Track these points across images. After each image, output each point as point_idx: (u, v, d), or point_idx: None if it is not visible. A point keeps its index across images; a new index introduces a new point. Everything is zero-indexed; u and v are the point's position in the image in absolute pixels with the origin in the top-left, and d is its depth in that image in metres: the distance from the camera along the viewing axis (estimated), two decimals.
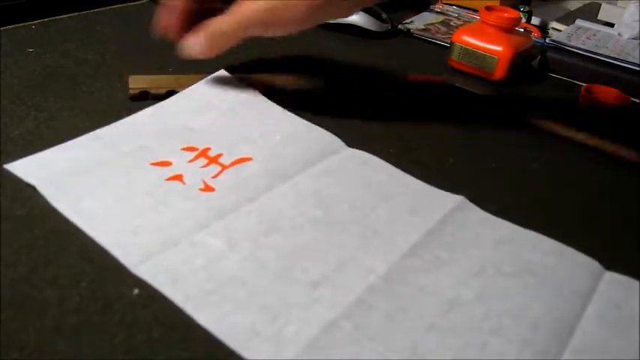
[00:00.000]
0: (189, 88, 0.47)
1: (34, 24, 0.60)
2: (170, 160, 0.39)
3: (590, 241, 0.36)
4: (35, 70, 0.50)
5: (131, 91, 0.46)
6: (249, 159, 0.40)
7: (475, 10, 0.77)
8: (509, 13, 0.58)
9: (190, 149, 0.41)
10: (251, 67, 0.56)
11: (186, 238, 0.33)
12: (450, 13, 0.78)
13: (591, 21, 0.71)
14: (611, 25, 0.70)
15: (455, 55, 0.59)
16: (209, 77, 0.48)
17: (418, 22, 0.73)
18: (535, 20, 0.74)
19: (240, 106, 0.47)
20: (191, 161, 0.39)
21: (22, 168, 0.37)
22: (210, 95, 0.47)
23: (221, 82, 0.49)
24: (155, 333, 0.27)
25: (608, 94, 0.56)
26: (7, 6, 0.62)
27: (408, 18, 0.74)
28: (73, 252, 0.31)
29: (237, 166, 0.39)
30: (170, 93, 0.46)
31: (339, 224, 0.35)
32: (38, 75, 0.50)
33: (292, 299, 0.29)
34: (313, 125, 0.45)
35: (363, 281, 0.31)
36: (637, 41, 0.65)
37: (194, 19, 0.43)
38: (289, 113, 0.46)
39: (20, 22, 0.60)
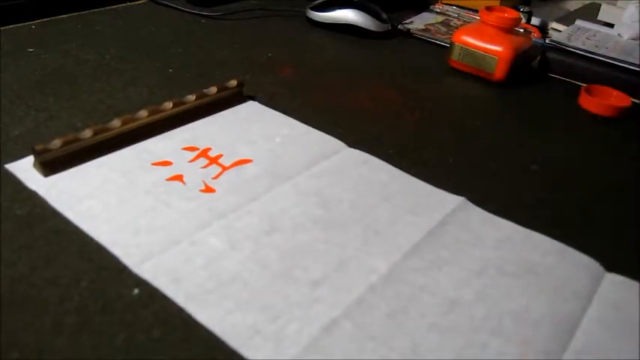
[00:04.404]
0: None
1: (34, 24, 0.61)
2: (170, 159, 0.39)
3: (590, 241, 0.36)
4: (35, 70, 0.50)
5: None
6: (249, 161, 0.40)
7: (475, 10, 0.77)
8: (509, 14, 0.58)
9: (191, 149, 0.41)
10: (254, 70, 0.56)
11: (187, 238, 0.33)
12: (450, 13, 0.78)
13: (591, 21, 0.71)
14: (611, 25, 0.70)
15: (455, 56, 0.59)
16: None
17: (418, 22, 0.73)
18: (535, 20, 0.74)
19: (239, 111, 0.47)
20: (191, 161, 0.39)
21: (23, 168, 0.37)
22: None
23: None
24: (155, 333, 0.27)
25: (608, 94, 0.56)
26: (7, 6, 0.62)
27: (408, 18, 0.74)
28: (73, 252, 0.31)
29: (237, 167, 0.39)
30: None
31: (339, 224, 0.35)
32: (38, 75, 0.50)
33: (293, 298, 0.29)
34: (312, 128, 0.45)
35: (364, 280, 0.31)
36: (637, 41, 0.65)
37: None
38: (288, 117, 0.46)
39: (20, 22, 0.60)
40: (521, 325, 0.29)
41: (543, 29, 0.73)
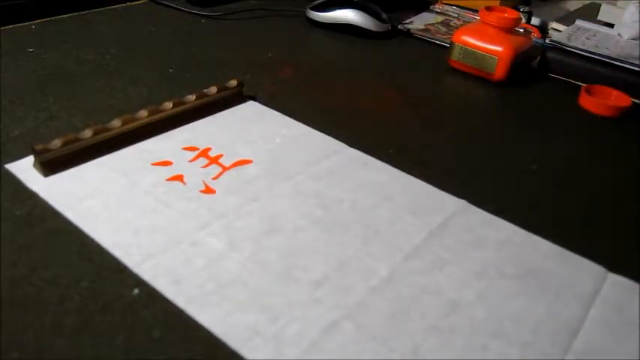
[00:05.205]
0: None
1: (34, 24, 0.60)
2: (171, 159, 0.39)
3: (591, 242, 0.36)
4: (35, 70, 0.50)
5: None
6: (249, 162, 0.40)
7: (475, 10, 0.77)
8: (509, 14, 0.58)
9: (191, 149, 0.41)
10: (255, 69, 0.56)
11: (187, 238, 0.32)
12: (450, 13, 0.78)
13: (591, 21, 0.71)
14: (611, 25, 0.70)
15: (455, 56, 0.59)
16: None
17: (418, 22, 0.73)
18: (535, 20, 0.74)
19: (239, 111, 0.47)
20: (191, 161, 0.39)
21: (23, 168, 0.37)
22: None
23: None
24: (155, 333, 0.27)
25: (608, 94, 0.56)
26: (7, 6, 0.62)
27: (408, 18, 0.74)
28: (73, 252, 0.31)
29: (237, 167, 0.39)
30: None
31: (340, 224, 0.35)
32: (38, 75, 0.50)
33: (294, 299, 0.29)
34: (312, 129, 0.45)
35: (365, 281, 0.31)
36: (637, 41, 0.65)
37: None
38: (288, 117, 0.46)
39: (20, 22, 0.60)
40: (522, 328, 0.29)
41: (543, 29, 0.73)
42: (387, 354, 0.27)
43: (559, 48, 0.62)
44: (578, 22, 0.70)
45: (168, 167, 0.38)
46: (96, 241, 0.32)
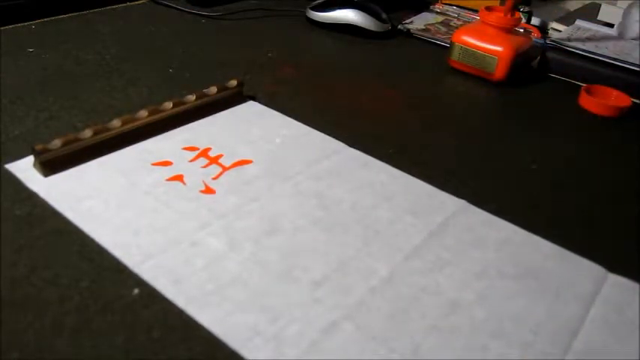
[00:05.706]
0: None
1: (34, 24, 0.60)
2: (171, 159, 0.39)
3: (591, 242, 0.36)
4: (35, 70, 0.50)
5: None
6: (249, 162, 0.40)
7: (475, 10, 0.77)
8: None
9: (191, 149, 0.41)
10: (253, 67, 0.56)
11: (187, 238, 0.32)
12: (450, 13, 0.78)
13: (591, 21, 0.71)
14: (611, 25, 0.70)
15: (455, 56, 0.59)
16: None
17: (418, 22, 0.73)
18: (535, 20, 0.74)
19: (239, 111, 0.47)
20: (192, 161, 0.39)
21: (23, 168, 0.37)
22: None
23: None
24: (155, 333, 0.27)
25: (608, 94, 0.56)
26: (7, 6, 0.62)
27: (408, 18, 0.74)
28: (73, 252, 0.31)
29: (237, 167, 0.39)
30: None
31: (340, 224, 0.35)
32: (38, 75, 0.50)
33: (294, 299, 0.29)
34: (312, 129, 0.45)
35: (365, 281, 0.31)
36: (637, 41, 0.65)
37: None
38: (288, 117, 0.46)
39: (20, 22, 0.60)
40: (522, 328, 0.29)
41: (543, 29, 0.73)
42: (387, 354, 0.27)
43: (559, 48, 0.62)
44: (578, 22, 0.70)
45: (168, 167, 0.38)
46: (96, 241, 0.32)
